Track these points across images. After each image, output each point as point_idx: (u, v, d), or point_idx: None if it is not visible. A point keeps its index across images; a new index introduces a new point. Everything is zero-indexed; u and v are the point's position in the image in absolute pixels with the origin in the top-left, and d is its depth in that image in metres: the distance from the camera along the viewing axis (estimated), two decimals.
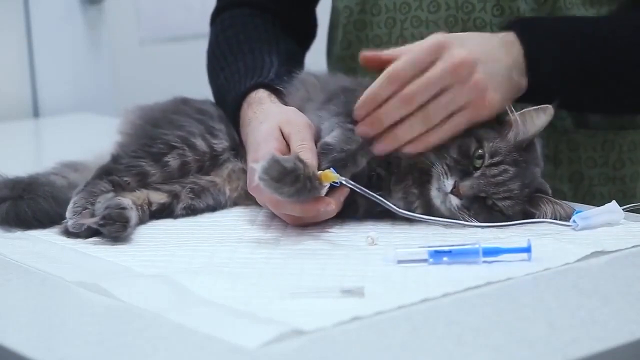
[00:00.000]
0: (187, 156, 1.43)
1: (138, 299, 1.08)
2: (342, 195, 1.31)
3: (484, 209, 1.31)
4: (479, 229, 1.30)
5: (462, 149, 1.31)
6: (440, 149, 1.32)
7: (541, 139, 1.38)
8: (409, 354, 0.95)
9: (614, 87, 1.43)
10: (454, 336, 0.98)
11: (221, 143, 1.46)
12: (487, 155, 1.31)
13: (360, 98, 1.31)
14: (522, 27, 1.39)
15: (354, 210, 1.36)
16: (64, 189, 1.40)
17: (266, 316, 1.01)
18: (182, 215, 1.41)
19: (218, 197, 1.44)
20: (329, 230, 1.32)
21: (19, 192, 1.38)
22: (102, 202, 1.32)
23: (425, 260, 1.17)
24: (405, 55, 1.30)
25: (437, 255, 1.17)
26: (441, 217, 1.31)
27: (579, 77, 1.41)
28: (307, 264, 1.19)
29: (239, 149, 1.47)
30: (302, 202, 1.28)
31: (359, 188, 1.28)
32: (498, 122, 1.35)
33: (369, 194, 1.28)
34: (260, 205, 1.38)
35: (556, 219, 1.31)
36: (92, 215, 1.31)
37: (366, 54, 1.35)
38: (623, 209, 1.32)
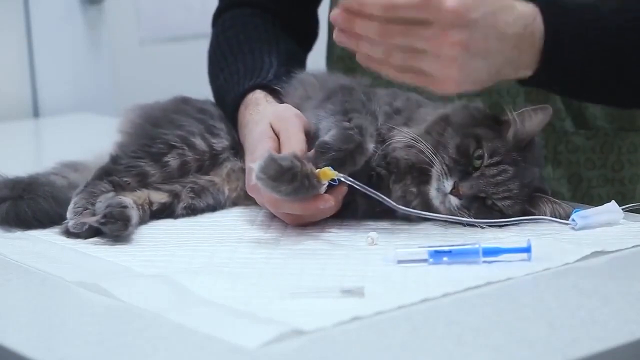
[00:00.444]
0: (186, 156, 1.43)
1: (138, 299, 1.08)
2: (340, 193, 1.31)
3: (484, 209, 1.31)
4: (479, 228, 1.30)
5: (461, 149, 1.31)
6: (438, 149, 1.32)
7: (541, 138, 1.38)
8: (409, 354, 0.95)
9: (623, 79, 1.40)
10: (454, 336, 0.98)
11: (221, 142, 1.46)
12: (486, 155, 1.31)
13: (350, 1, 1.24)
14: (547, 4, 1.32)
15: (354, 210, 1.36)
16: (64, 189, 1.40)
17: (266, 316, 1.01)
18: (183, 215, 1.41)
19: (218, 196, 1.44)
20: (329, 230, 1.32)
21: (19, 192, 1.38)
22: (103, 201, 1.32)
23: (425, 260, 1.17)
24: None
25: (437, 255, 1.17)
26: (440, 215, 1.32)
27: (592, 67, 1.35)
28: (307, 264, 1.19)
29: (238, 148, 1.47)
30: (300, 200, 1.28)
31: (357, 184, 1.28)
32: (497, 122, 1.35)
33: (367, 190, 1.28)
34: (260, 206, 1.38)
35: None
36: (93, 215, 1.31)
37: None
38: (623, 209, 1.32)
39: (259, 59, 1.54)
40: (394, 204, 1.30)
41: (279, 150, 1.32)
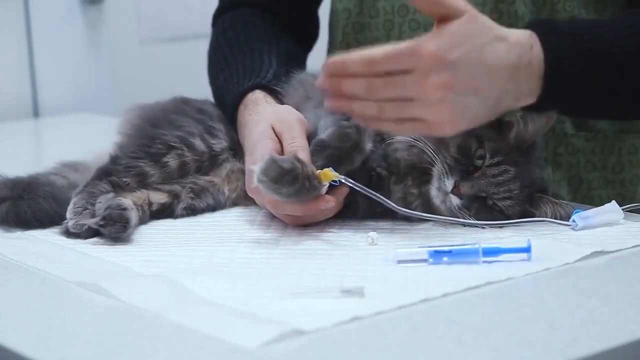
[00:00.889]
0: (185, 156, 1.43)
1: (138, 299, 1.08)
2: (341, 195, 1.32)
3: (484, 209, 1.31)
4: (479, 228, 1.30)
5: (463, 149, 1.31)
6: (440, 149, 1.32)
7: (541, 141, 1.38)
8: (409, 354, 0.95)
9: (628, 96, 1.37)
10: (454, 336, 0.98)
11: (220, 143, 1.46)
12: (487, 155, 1.31)
13: (333, 59, 1.21)
14: (544, 29, 1.29)
15: (354, 211, 1.36)
16: (64, 189, 1.40)
17: (266, 316, 1.01)
18: (183, 215, 1.41)
19: (218, 197, 1.44)
20: (329, 230, 1.32)
21: (19, 192, 1.38)
22: (103, 202, 1.32)
23: (425, 260, 1.17)
24: (396, 48, 1.20)
25: (437, 255, 1.17)
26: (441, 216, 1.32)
27: (596, 88, 1.33)
28: (307, 264, 1.19)
29: (237, 149, 1.47)
30: (301, 201, 1.28)
31: (358, 186, 1.28)
32: (499, 122, 1.35)
33: (368, 191, 1.28)
34: (260, 206, 1.38)
35: (556, 219, 1.31)
36: (93, 215, 1.31)
37: None
38: (623, 209, 1.32)
39: (259, 59, 1.54)
40: (394, 205, 1.30)
41: (279, 151, 1.32)
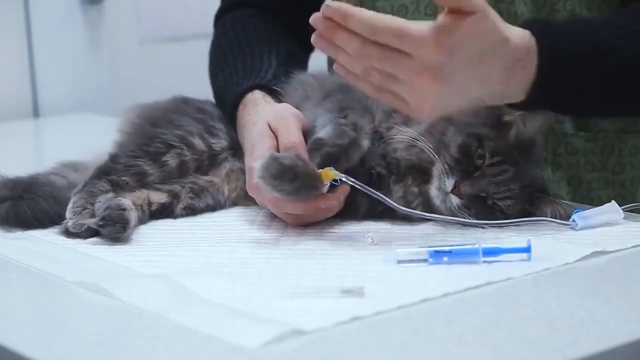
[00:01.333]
0: (185, 155, 1.43)
1: (138, 299, 1.08)
2: (342, 194, 1.32)
3: (485, 208, 1.31)
4: (479, 228, 1.30)
5: (463, 149, 1.31)
6: (440, 149, 1.32)
7: (541, 141, 1.38)
8: (409, 354, 0.95)
9: (622, 95, 1.36)
10: (454, 336, 0.98)
11: (220, 142, 1.46)
12: (487, 154, 1.31)
13: (337, 6, 1.19)
14: (541, 30, 1.27)
15: (355, 211, 1.36)
16: (64, 189, 1.40)
17: (266, 316, 1.01)
18: (182, 215, 1.41)
19: (217, 197, 1.44)
20: (329, 230, 1.32)
21: (19, 192, 1.38)
22: (103, 202, 1.32)
23: (425, 260, 1.17)
24: (404, 27, 1.17)
25: (437, 255, 1.17)
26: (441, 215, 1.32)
27: (588, 89, 1.32)
28: (307, 264, 1.19)
29: (237, 149, 1.47)
30: (302, 200, 1.28)
31: (359, 185, 1.28)
32: (499, 122, 1.35)
33: (369, 190, 1.28)
34: (260, 206, 1.38)
35: (556, 219, 1.31)
36: (92, 215, 1.31)
37: None
38: (623, 209, 1.32)
39: (259, 59, 1.54)
40: (396, 204, 1.30)
41: (277, 147, 1.32)
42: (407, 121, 1.37)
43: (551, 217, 1.31)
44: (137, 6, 2.82)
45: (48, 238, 1.32)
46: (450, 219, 1.31)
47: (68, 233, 1.31)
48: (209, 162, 1.45)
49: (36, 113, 2.53)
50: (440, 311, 1.04)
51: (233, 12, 1.68)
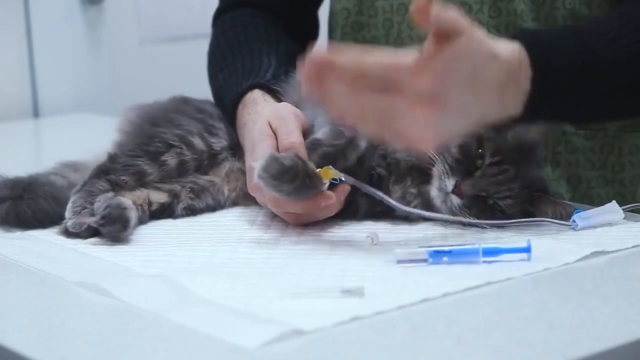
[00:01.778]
0: (185, 155, 1.43)
1: (138, 299, 1.08)
2: (342, 193, 1.32)
3: (485, 208, 1.31)
4: (479, 228, 1.30)
5: (463, 149, 1.31)
6: (440, 149, 1.32)
7: (541, 140, 1.38)
8: (409, 354, 0.95)
9: (617, 100, 1.34)
10: (454, 336, 0.98)
11: (220, 142, 1.46)
12: (487, 154, 1.31)
13: (321, 55, 1.15)
14: (532, 42, 1.24)
15: (354, 211, 1.36)
16: (64, 189, 1.40)
17: (266, 316, 1.01)
18: (182, 215, 1.41)
19: (217, 196, 1.44)
20: (329, 230, 1.32)
21: (19, 192, 1.38)
22: (103, 201, 1.31)
23: (425, 260, 1.17)
24: (393, 61, 1.15)
25: (437, 255, 1.17)
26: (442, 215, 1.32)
27: (588, 98, 1.29)
28: (307, 264, 1.19)
29: (237, 149, 1.47)
30: (302, 199, 1.28)
31: (358, 184, 1.28)
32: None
33: (369, 189, 1.28)
34: (260, 205, 1.39)
35: (556, 219, 1.31)
36: (92, 214, 1.31)
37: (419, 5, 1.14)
38: (623, 209, 1.32)
39: (258, 59, 1.54)
40: (396, 203, 1.30)
41: (277, 147, 1.32)
42: None
43: (552, 217, 1.31)
44: (137, 6, 2.82)
45: (48, 238, 1.32)
46: (450, 218, 1.31)
47: (68, 233, 1.31)
48: (208, 161, 1.45)
49: (36, 113, 2.53)
50: (440, 311, 1.04)
51: (232, 12, 1.68)
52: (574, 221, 1.29)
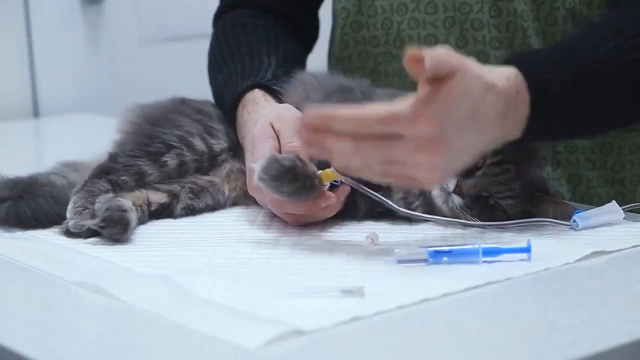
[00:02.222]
0: (185, 156, 1.43)
1: (138, 299, 1.08)
2: (342, 194, 1.32)
3: (486, 208, 1.31)
4: (480, 228, 1.30)
5: None
6: None
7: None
8: (409, 354, 0.95)
9: (617, 112, 1.32)
10: (454, 336, 0.98)
11: (219, 143, 1.46)
12: (489, 154, 1.31)
13: (316, 113, 1.14)
14: (527, 65, 1.22)
15: (355, 212, 1.36)
16: (64, 189, 1.40)
17: (266, 316, 1.01)
18: (182, 216, 1.41)
19: (217, 197, 1.44)
20: (329, 230, 1.32)
21: (19, 192, 1.38)
22: (103, 203, 1.31)
23: (425, 260, 1.17)
24: (389, 111, 1.12)
25: (437, 255, 1.17)
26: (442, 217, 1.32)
27: (587, 114, 1.27)
28: (307, 264, 1.19)
29: (237, 150, 1.47)
30: (302, 200, 1.28)
31: (359, 186, 1.28)
32: None
33: (368, 191, 1.28)
34: (260, 205, 1.39)
35: (557, 218, 1.31)
36: (93, 215, 1.31)
37: (412, 53, 1.13)
38: (623, 209, 1.32)
39: (258, 59, 1.54)
40: (395, 205, 1.30)
41: (278, 149, 1.32)
42: None
43: (553, 216, 1.31)
44: (137, 6, 2.82)
45: (48, 238, 1.32)
46: (449, 220, 1.31)
47: (69, 233, 1.31)
48: (209, 162, 1.45)
49: (36, 113, 2.53)
50: (440, 311, 1.04)
51: (232, 12, 1.68)
52: (574, 221, 1.29)
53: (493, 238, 1.26)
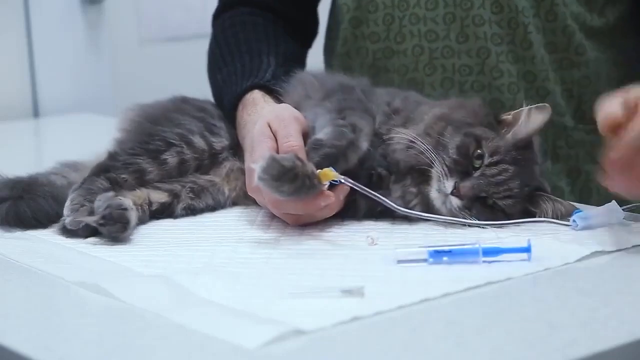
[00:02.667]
0: (185, 154, 1.43)
1: (138, 299, 1.08)
2: (342, 193, 1.32)
3: (485, 208, 1.31)
4: (480, 228, 1.30)
5: (461, 150, 1.31)
6: (438, 150, 1.32)
7: (539, 136, 1.38)
8: (409, 354, 0.95)
9: None
10: (454, 336, 0.98)
11: (221, 141, 1.46)
12: (486, 154, 1.31)
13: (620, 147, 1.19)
14: None
15: (354, 211, 1.36)
16: (64, 189, 1.40)
17: (266, 316, 1.01)
18: (182, 215, 1.41)
19: (217, 196, 1.44)
20: (329, 230, 1.32)
21: (19, 192, 1.37)
22: (103, 201, 1.31)
23: (425, 260, 1.17)
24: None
25: (437, 255, 1.17)
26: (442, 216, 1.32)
27: None
28: (307, 264, 1.19)
29: (237, 148, 1.47)
30: (302, 200, 1.28)
31: (358, 186, 1.28)
32: (496, 120, 1.36)
33: (368, 192, 1.28)
34: (260, 205, 1.38)
35: (557, 217, 1.31)
36: (90, 212, 1.31)
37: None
38: (623, 209, 1.32)
39: (257, 59, 1.54)
40: (394, 205, 1.30)
41: (277, 149, 1.32)
42: (405, 122, 1.37)
43: (552, 215, 1.31)
44: (137, 6, 2.82)
45: (48, 238, 1.32)
46: (449, 220, 1.31)
47: (66, 230, 1.31)
48: (209, 161, 1.45)
49: (36, 113, 2.53)
50: (440, 311, 1.04)
51: (231, 11, 1.68)
52: (574, 221, 1.29)
53: (493, 238, 1.25)
